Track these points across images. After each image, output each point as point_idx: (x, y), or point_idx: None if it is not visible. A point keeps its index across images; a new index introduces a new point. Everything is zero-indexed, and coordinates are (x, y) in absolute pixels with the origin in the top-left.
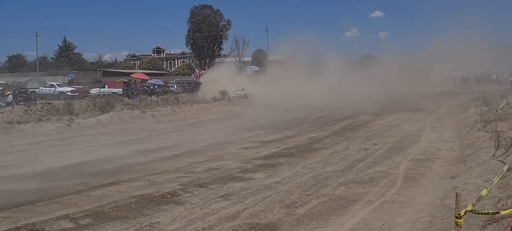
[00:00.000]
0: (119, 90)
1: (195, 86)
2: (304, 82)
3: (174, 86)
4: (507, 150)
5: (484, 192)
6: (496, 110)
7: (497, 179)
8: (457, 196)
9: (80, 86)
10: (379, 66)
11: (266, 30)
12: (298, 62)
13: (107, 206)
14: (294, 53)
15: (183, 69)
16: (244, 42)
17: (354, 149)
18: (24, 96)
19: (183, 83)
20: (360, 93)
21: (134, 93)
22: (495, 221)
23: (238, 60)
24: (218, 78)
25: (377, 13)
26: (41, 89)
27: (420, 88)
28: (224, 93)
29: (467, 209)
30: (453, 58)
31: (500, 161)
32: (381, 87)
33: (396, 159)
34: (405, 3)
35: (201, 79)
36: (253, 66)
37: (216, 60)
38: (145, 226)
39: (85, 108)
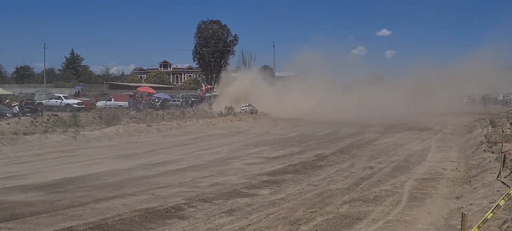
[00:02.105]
0: (125, 103)
1: (200, 100)
2: (311, 98)
3: (180, 100)
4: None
5: (489, 214)
6: (502, 131)
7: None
8: (463, 217)
9: (87, 99)
10: (386, 85)
11: (273, 46)
12: (306, 79)
13: (111, 219)
14: (302, 69)
15: (189, 83)
16: (251, 57)
17: (359, 167)
18: (31, 108)
19: (189, 97)
20: (365, 112)
21: (140, 107)
22: None
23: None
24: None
25: (384, 32)
26: (48, 101)
27: (426, 108)
28: (230, 109)
29: None
30: (463, 79)
31: (504, 183)
32: (388, 106)
33: (401, 177)
34: (412, 21)
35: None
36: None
37: (222, 75)
38: None
39: (91, 121)
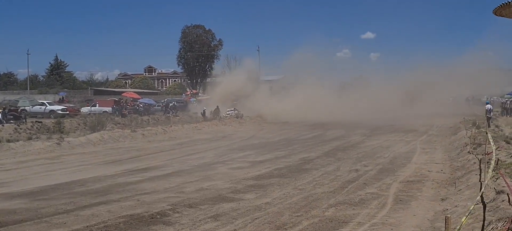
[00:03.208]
0: (110, 109)
1: (186, 105)
2: (296, 101)
3: (159, 106)
4: (496, 173)
5: (464, 220)
6: (486, 133)
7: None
8: (446, 220)
9: (71, 105)
10: (371, 87)
11: (258, 50)
12: (292, 82)
13: (95, 226)
14: (288, 73)
15: (174, 88)
16: (235, 61)
17: (345, 170)
18: (14, 115)
19: (168, 102)
20: (350, 115)
21: (125, 113)
22: None
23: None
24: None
25: (369, 35)
26: (32, 107)
27: (412, 110)
28: (215, 113)
29: None
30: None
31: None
32: (372, 108)
33: (387, 180)
34: (396, 25)
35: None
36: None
37: (207, 80)
38: None
39: (76, 127)
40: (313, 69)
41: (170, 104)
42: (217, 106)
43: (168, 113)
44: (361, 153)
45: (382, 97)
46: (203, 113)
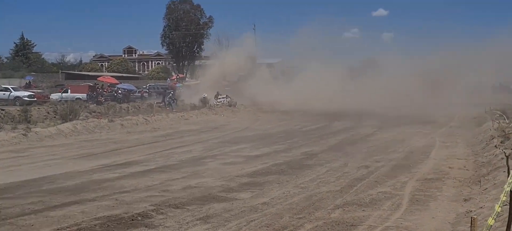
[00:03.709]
0: (84, 95)
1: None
2: (299, 88)
3: (143, 91)
4: None
5: (491, 221)
6: None
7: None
8: (472, 221)
9: (39, 91)
10: (383, 72)
11: (254, 29)
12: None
13: (67, 229)
14: (288, 55)
15: (158, 72)
16: (228, 42)
17: (354, 166)
18: None
19: (162, 89)
20: (360, 103)
21: (101, 100)
22: None
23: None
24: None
25: (381, 12)
26: None
27: (430, 98)
28: (204, 101)
29: None
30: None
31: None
32: (385, 96)
33: (402, 178)
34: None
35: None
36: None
37: (196, 63)
38: None
39: (45, 116)
40: (317, 51)
41: (170, 93)
42: (218, 92)
43: (170, 105)
44: (372, 146)
45: (396, 84)
46: (204, 101)
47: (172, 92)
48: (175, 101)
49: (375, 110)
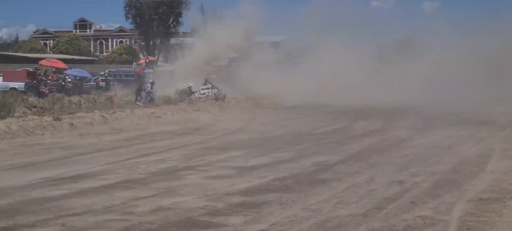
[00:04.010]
0: (20, 84)
1: (137, 80)
2: (310, 76)
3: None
4: None
5: None
6: None
7: None
8: None
9: None
10: (424, 55)
11: None
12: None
13: None
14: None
15: (120, 54)
16: (216, 14)
17: (383, 181)
18: None
19: (120, 75)
20: (392, 96)
21: (44, 90)
22: None
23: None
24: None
25: None
26: None
27: (489, 91)
28: (188, 93)
29: None
30: None
31: None
32: (426, 87)
33: (448, 198)
34: None
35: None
36: (227, 52)
37: (171, 41)
38: None
39: None
40: (335, 26)
41: (150, 82)
42: (206, 79)
43: (151, 99)
44: (407, 155)
45: (441, 71)
46: (188, 93)
47: (151, 83)
48: (152, 97)
49: (412, 106)
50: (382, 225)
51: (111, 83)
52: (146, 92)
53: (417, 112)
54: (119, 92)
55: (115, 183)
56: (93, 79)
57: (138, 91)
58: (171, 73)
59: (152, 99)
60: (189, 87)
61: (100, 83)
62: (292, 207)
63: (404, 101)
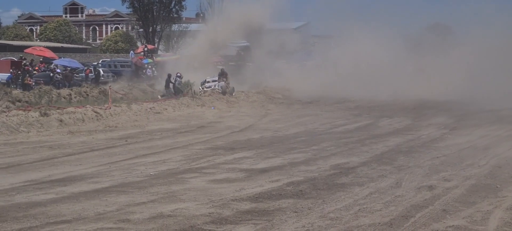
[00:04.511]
0: (4, 76)
1: (136, 70)
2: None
3: (99, 72)
4: None
5: None
6: None
7: None
8: None
9: None
10: (459, 44)
11: None
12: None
13: None
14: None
15: (115, 42)
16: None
17: (411, 186)
18: None
19: (115, 66)
20: (422, 89)
21: (30, 82)
22: None
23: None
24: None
25: None
26: None
27: None
28: (186, 86)
29: None
30: None
31: None
32: (460, 80)
33: (483, 205)
34: None
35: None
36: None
37: (174, 28)
38: None
39: None
40: (360, 12)
41: (177, 75)
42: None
43: (180, 92)
44: (439, 157)
45: (477, 62)
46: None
47: (178, 76)
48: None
49: (444, 101)
50: None
51: (101, 75)
52: (175, 81)
53: (448, 108)
54: (115, 85)
55: (109, 186)
56: (83, 70)
57: (167, 84)
58: (173, 63)
59: (180, 91)
60: (206, 82)
61: (89, 74)
62: (308, 215)
63: (434, 95)
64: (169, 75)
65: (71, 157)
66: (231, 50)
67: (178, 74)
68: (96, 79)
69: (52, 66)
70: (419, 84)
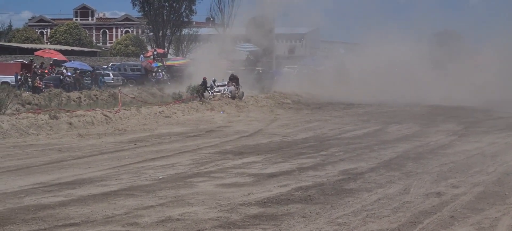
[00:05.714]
0: (13, 78)
1: (145, 74)
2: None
3: (109, 75)
4: None
5: None
6: None
7: None
8: None
9: None
10: (468, 50)
11: None
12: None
13: None
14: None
15: (126, 45)
16: (232, 2)
17: (419, 192)
18: None
19: (125, 69)
20: (431, 94)
21: (40, 85)
22: None
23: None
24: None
25: None
26: None
27: None
28: (194, 90)
29: None
30: None
31: None
32: (469, 85)
33: (492, 212)
34: None
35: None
36: (245, 44)
37: (184, 32)
38: None
39: None
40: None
41: (212, 81)
42: (233, 74)
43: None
44: (447, 164)
45: (487, 68)
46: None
47: (213, 81)
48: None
49: (453, 107)
50: None
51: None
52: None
53: (457, 114)
54: (124, 88)
55: (118, 190)
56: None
57: (203, 89)
58: (183, 67)
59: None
60: (214, 82)
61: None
62: (316, 220)
63: (443, 101)
64: (205, 80)
65: (80, 160)
66: (242, 54)
67: (213, 79)
68: (95, 81)
69: (62, 69)
70: (425, 90)
